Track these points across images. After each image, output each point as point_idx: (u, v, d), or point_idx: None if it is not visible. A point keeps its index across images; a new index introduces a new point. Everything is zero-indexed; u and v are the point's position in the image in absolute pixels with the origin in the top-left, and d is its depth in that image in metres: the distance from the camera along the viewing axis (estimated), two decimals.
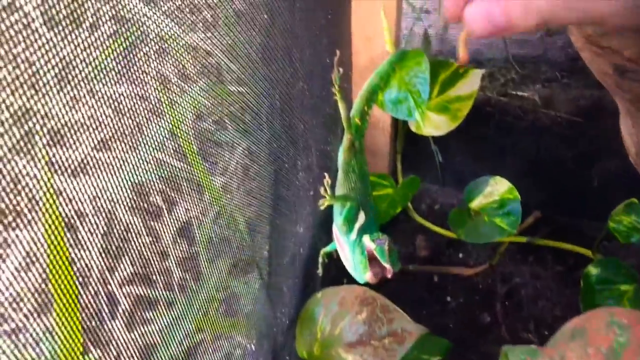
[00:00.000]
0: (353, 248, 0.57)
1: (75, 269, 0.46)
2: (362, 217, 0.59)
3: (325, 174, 0.58)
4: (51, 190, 0.39)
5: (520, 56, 0.90)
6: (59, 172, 0.57)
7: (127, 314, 0.59)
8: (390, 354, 0.57)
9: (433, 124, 0.77)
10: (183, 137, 0.60)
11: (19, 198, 0.51)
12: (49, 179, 0.39)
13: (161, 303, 0.60)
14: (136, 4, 0.61)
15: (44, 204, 0.39)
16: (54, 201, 0.39)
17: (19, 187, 0.50)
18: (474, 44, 0.92)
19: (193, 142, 0.59)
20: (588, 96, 0.82)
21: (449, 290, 0.83)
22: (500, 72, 0.88)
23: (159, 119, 0.66)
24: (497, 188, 0.78)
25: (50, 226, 0.39)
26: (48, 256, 0.41)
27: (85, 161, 0.60)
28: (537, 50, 0.90)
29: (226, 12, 0.51)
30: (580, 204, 0.88)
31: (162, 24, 0.65)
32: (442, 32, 0.91)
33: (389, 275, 0.54)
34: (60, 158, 0.56)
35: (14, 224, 0.54)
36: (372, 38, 0.75)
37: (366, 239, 0.56)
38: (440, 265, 0.85)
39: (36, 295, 0.51)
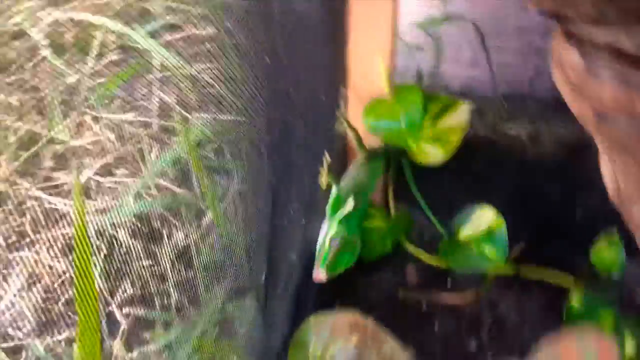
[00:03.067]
0: (323, 240, 0.61)
1: (75, 290, 0.49)
2: (350, 204, 0.63)
3: (326, 152, 0.62)
4: (83, 217, 0.42)
5: (509, 94, 0.94)
6: (62, 194, 0.60)
7: (126, 333, 0.61)
8: None
9: (428, 154, 0.80)
10: (189, 162, 0.62)
11: (22, 219, 0.54)
12: (80, 207, 0.41)
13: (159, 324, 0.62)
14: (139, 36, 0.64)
15: (75, 230, 0.42)
16: (83, 226, 0.42)
17: (23, 208, 0.52)
18: (463, 80, 0.96)
19: (197, 168, 0.62)
20: (572, 132, 0.86)
21: (437, 317, 0.86)
22: (490, 108, 0.91)
23: (161, 145, 0.68)
24: (484, 217, 0.81)
25: (79, 250, 0.41)
26: (75, 278, 0.43)
27: (88, 185, 0.62)
28: (525, 89, 0.94)
29: (233, 61, 0.54)
30: (565, 236, 0.91)
31: (167, 56, 0.68)
32: (435, 68, 0.95)
33: (316, 280, 0.58)
34: (64, 182, 0.58)
35: (17, 245, 0.56)
36: (368, 75, 0.79)
37: (329, 235, 0.60)
38: (429, 294, 0.88)
39: (39, 313, 0.53)
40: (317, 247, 0.61)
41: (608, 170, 0.62)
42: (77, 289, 0.46)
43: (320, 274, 0.58)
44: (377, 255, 0.84)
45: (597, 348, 0.42)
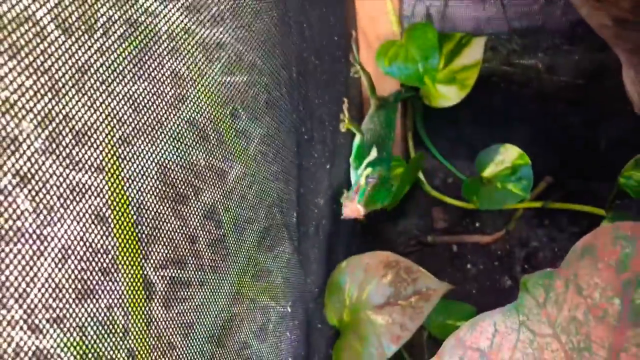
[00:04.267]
0: (357, 179, 0.61)
1: (109, 257, 0.50)
2: (374, 153, 0.63)
3: (345, 98, 0.62)
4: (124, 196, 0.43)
5: (520, 28, 0.92)
6: (84, 169, 0.60)
7: (162, 295, 0.62)
8: (418, 311, 0.59)
9: (443, 95, 0.79)
10: (206, 125, 0.62)
11: (48, 197, 0.55)
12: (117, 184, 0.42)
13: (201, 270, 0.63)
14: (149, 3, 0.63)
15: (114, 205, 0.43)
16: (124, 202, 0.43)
17: (48, 186, 0.53)
18: (474, 20, 0.95)
19: (225, 119, 0.62)
20: (589, 60, 0.84)
21: (469, 258, 0.86)
22: (502, 44, 0.90)
23: (177, 112, 0.69)
24: (508, 155, 0.80)
25: (119, 222, 0.42)
26: (118, 249, 0.44)
27: (108, 157, 0.62)
28: (536, 22, 0.92)
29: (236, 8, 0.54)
30: (590, 166, 0.90)
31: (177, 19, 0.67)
32: (442, 9, 0.93)
33: (352, 215, 0.58)
34: (85, 156, 0.59)
35: (47, 221, 0.57)
36: (376, 17, 0.78)
37: (364, 173, 0.60)
38: (458, 235, 0.88)
39: (76, 282, 0.54)
40: (352, 188, 0.61)
41: (631, 80, 0.61)
42: (121, 255, 0.47)
43: (358, 209, 0.57)
44: (400, 197, 0.84)
45: (633, 234, 0.42)
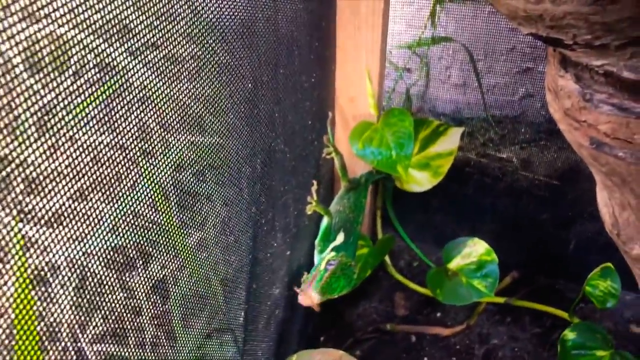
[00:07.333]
0: (319, 263, 0.58)
1: (43, 324, 0.45)
2: (340, 238, 0.60)
3: (314, 180, 0.59)
4: (21, 241, 0.39)
5: (499, 117, 0.92)
6: (33, 222, 0.56)
7: None
8: None
9: (415, 180, 0.77)
10: (160, 192, 0.59)
11: None
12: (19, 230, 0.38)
13: None
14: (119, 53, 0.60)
15: (13, 255, 0.38)
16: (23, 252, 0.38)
17: None
18: (454, 103, 0.94)
19: (171, 202, 0.59)
20: (565, 159, 0.84)
21: (427, 351, 0.82)
22: (480, 132, 0.89)
23: (140, 169, 0.65)
24: (476, 249, 0.78)
25: (19, 279, 0.38)
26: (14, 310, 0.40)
27: (60, 211, 0.58)
28: (515, 112, 0.91)
29: (214, 86, 0.51)
30: (557, 265, 0.88)
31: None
32: (423, 90, 0.93)
33: (306, 303, 0.54)
34: (35, 207, 0.55)
35: None
36: (355, 98, 0.76)
37: (326, 258, 0.57)
38: (418, 325, 0.85)
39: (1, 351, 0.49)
40: (312, 271, 0.57)
41: (604, 201, 0.60)
42: (18, 332, 0.43)
43: (313, 297, 0.53)
44: (360, 280, 0.81)
45: None
